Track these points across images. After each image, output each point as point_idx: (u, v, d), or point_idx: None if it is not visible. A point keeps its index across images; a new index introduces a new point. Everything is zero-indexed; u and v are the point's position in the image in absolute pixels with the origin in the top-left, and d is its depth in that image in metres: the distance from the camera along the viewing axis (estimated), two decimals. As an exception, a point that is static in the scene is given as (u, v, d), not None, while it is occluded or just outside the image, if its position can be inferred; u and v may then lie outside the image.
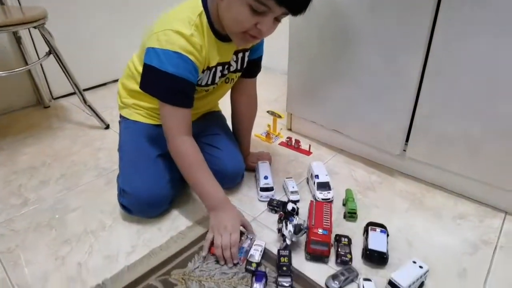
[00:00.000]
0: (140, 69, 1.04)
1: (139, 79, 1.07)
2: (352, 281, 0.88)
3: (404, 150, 1.26)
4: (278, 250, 0.93)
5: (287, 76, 1.49)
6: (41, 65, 1.80)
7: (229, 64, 1.06)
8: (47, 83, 1.87)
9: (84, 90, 2.01)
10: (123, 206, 1.06)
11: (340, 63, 1.28)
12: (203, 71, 0.99)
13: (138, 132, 1.13)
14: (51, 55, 1.47)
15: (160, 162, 1.08)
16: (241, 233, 0.99)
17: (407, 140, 1.23)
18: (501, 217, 1.10)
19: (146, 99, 1.10)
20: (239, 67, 1.10)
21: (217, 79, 1.06)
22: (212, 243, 0.95)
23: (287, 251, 0.92)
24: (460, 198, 1.18)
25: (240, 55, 1.08)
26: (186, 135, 0.98)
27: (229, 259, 0.92)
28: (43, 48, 1.52)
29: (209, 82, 1.05)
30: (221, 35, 0.97)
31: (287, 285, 0.85)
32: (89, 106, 1.57)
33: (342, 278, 0.87)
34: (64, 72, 1.52)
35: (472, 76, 1.01)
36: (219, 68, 1.03)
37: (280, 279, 0.87)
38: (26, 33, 1.72)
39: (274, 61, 2.03)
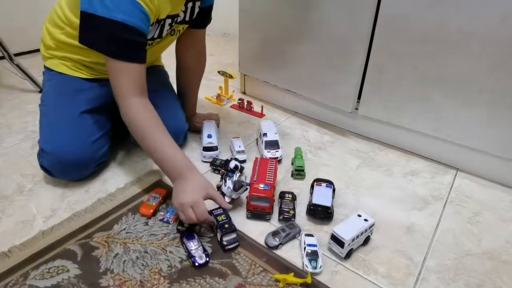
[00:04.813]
0: (72, 18, 0.90)
1: (68, 30, 0.93)
2: (294, 237, 0.81)
3: (356, 109, 1.20)
4: (211, 212, 0.82)
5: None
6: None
7: (177, 15, 0.94)
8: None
9: (24, 53, 1.85)
10: (43, 168, 0.94)
11: (292, 21, 1.19)
12: (151, 24, 0.85)
13: (61, 85, 0.99)
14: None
15: (86, 119, 0.96)
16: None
17: (359, 98, 1.17)
18: (453, 174, 1.07)
19: (79, 52, 0.96)
20: (187, 18, 0.98)
21: (164, 32, 0.94)
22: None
23: (221, 209, 0.83)
24: (413, 156, 1.14)
25: (190, 4, 0.95)
26: (139, 96, 0.82)
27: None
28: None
29: (155, 36, 0.93)
30: None
31: (233, 246, 0.77)
32: (17, 65, 1.40)
33: (283, 234, 0.79)
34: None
35: (422, 30, 0.96)
36: (168, 20, 0.91)
37: (225, 238, 0.77)
38: None
39: (231, 26, 1.93)
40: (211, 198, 0.81)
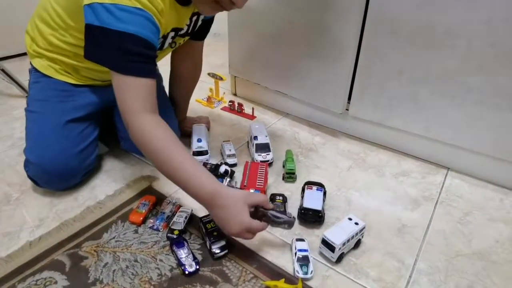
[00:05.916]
0: (70, 23, 0.85)
1: (62, 33, 0.88)
2: (282, 224, 0.77)
3: (347, 110, 1.19)
4: (200, 219, 0.82)
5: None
6: None
7: (181, 28, 0.91)
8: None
9: (10, 57, 1.82)
10: (30, 178, 0.92)
11: (282, 22, 1.18)
12: (159, 38, 0.81)
13: (48, 90, 0.96)
14: None
15: (73, 128, 0.93)
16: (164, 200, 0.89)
17: (349, 99, 1.17)
18: (444, 173, 1.07)
19: (72, 57, 0.91)
20: (189, 31, 0.96)
21: (165, 45, 0.92)
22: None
23: (210, 216, 0.81)
24: (404, 156, 1.14)
25: (194, 18, 0.93)
26: (151, 112, 0.75)
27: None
28: None
29: (157, 49, 0.90)
30: None
31: (222, 253, 0.76)
32: (2, 70, 1.38)
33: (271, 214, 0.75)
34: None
35: (410, 30, 0.96)
36: (171, 34, 0.89)
37: (213, 246, 0.76)
38: None
39: (221, 26, 1.91)
40: (257, 204, 0.75)
